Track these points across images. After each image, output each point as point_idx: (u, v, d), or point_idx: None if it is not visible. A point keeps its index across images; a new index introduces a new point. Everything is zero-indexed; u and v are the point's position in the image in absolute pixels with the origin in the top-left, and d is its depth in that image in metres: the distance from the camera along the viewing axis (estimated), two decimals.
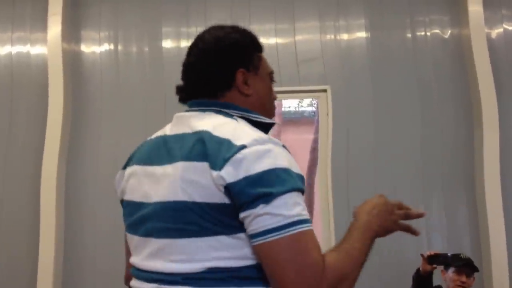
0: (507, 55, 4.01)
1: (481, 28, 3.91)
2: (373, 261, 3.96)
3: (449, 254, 3.22)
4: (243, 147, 1.06)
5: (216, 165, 1.05)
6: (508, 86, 3.94)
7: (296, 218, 1.02)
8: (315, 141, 6.57)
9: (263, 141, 1.08)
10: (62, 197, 3.98)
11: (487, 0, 3.97)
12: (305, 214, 1.05)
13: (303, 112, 8.67)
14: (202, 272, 1.06)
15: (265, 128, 1.25)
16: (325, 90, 4.00)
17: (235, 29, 1.30)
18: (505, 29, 4.06)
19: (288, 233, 1.01)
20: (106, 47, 4.24)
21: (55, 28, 4.08)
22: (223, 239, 1.06)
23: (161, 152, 1.20)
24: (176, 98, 1.33)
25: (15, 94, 4.19)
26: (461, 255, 3.24)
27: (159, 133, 1.29)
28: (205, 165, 1.06)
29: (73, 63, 4.19)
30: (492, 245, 3.64)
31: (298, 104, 8.55)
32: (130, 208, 1.24)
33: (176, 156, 1.13)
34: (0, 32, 4.29)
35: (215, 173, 1.05)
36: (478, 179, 3.81)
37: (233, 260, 1.06)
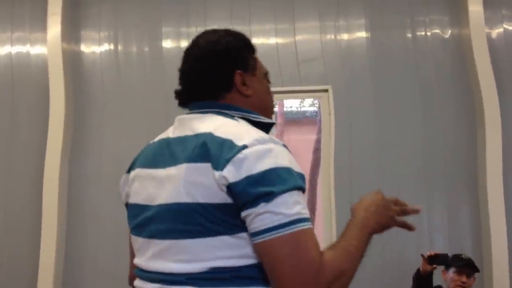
0: (507, 55, 4.00)
1: (481, 28, 3.91)
2: (374, 261, 3.94)
3: (449, 255, 3.21)
4: (245, 147, 1.07)
5: (219, 166, 1.07)
6: (509, 86, 3.94)
7: (296, 217, 1.04)
8: (318, 141, 6.55)
9: (264, 141, 1.10)
10: (64, 197, 3.98)
11: (487, 0, 3.97)
12: (305, 213, 1.06)
13: (305, 112, 8.68)
14: (205, 272, 1.08)
15: (265, 128, 1.27)
16: (326, 90, 4.01)
17: (228, 33, 1.32)
18: (505, 29, 4.06)
19: (288, 231, 1.03)
20: (106, 47, 4.24)
21: (54, 28, 4.08)
22: (225, 239, 1.07)
23: (164, 154, 1.22)
24: None
25: (16, 94, 4.20)
26: (462, 255, 3.24)
27: (162, 136, 1.31)
28: (207, 165, 1.08)
29: (73, 63, 4.19)
30: (493, 245, 3.64)
31: (300, 104, 8.56)
32: (135, 210, 1.26)
33: (179, 158, 1.15)
34: None
35: (217, 173, 1.06)
36: (481, 179, 3.80)
37: (235, 259, 1.08)
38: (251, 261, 1.08)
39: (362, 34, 4.12)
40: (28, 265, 3.91)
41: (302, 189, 1.09)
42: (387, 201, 1.26)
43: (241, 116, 1.24)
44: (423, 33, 4.09)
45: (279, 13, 4.16)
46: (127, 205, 1.32)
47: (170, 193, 1.13)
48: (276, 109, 7.53)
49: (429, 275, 3.13)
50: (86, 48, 4.26)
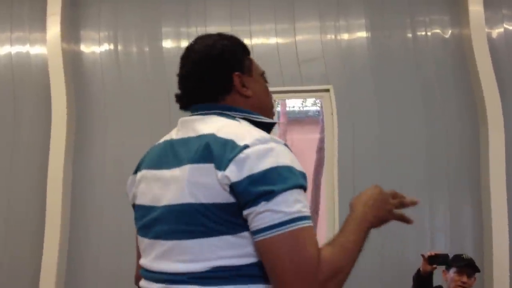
0: (508, 54, 4.00)
1: (481, 28, 3.91)
2: (374, 261, 3.93)
3: (449, 255, 3.21)
4: (246, 146, 1.09)
5: (221, 166, 1.08)
6: (510, 85, 3.93)
7: (296, 215, 1.05)
8: (321, 141, 6.54)
9: (265, 140, 1.11)
10: (68, 197, 3.99)
11: (487, 0, 3.97)
12: (306, 211, 1.08)
13: (307, 111, 8.67)
14: (207, 271, 1.09)
15: (266, 128, 1.28)
16: (327, 90, 4.01)
17: (222, 36, 1.34)
18: (505, 29, 4.06)
19: (288, 229, 1.04)
20: (106, 47, 4.24)
21: (54, 28, 4.08)
22: (228, 238, 1.09)
23: (169, 156, 1.24)
24: None
25: (17, 95, 4.20)
26: (463, 255, 3.24)
27: (166, 137, 1.33)
28: (211, 166, 1.10)
29: (74, 63, 4.19)
30: (494, 245, 3.64)
31: (302, 104, 8.56)
32: (141, 211, 1.28)
33: (183, 160, 1.17)
34: None
35: (220, 173, 1.08)
36: (484, 179, 3.80)
37: (236, 258, 1.09)
38: (251, 259, 1.10)
39: (363, 34, 4.12)
40: (31, 265, 3.92)
41: (303, 187, 1.10)
42: (385, 194, 1.28)
43: (242, 116, 1.25)
44: (423, 33, 4.09)
45: (279, 13, 4.16)
46: (134, 206, 1.34)
47: (174, 194, 1.15)
48: (278, 108, 7.53)
49: (429, 275, 3.13)
50: (86, 48, 4.26)
